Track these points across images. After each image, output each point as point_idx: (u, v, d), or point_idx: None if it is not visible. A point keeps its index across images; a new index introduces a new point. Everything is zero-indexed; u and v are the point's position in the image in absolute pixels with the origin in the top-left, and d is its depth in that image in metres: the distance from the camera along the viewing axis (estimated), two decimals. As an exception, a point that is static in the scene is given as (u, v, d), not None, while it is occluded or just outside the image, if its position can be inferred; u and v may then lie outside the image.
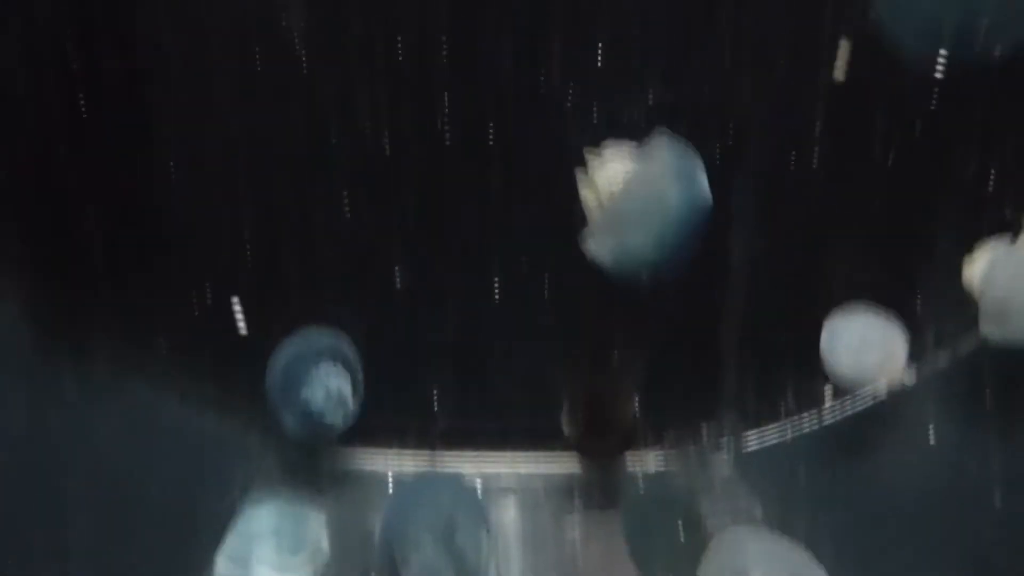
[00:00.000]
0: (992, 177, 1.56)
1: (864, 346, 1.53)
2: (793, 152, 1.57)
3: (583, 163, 1.48)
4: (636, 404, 1.67)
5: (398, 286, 1.62)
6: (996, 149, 1.56)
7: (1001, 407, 1.56)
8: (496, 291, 1.64)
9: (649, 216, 1.42)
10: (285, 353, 1.56)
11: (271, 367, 1.55)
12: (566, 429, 1.67)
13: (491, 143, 1.57)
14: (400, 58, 1.52)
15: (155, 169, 1.58)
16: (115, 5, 1.52)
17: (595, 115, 1.54)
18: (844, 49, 1.51)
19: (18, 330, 1.59)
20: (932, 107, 1.49)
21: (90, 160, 1.56)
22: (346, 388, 1.55)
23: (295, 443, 1.59)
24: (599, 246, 1.45)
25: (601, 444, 1.67)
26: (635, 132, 1.48)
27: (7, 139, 1.55)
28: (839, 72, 1.51)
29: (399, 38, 1.51)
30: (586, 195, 1.47)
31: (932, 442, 1.59)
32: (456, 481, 1.61)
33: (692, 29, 1.54)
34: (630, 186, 1.44)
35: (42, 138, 1.55)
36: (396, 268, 1.62)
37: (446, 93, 1.54)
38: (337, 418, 1.54)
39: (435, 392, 1.67)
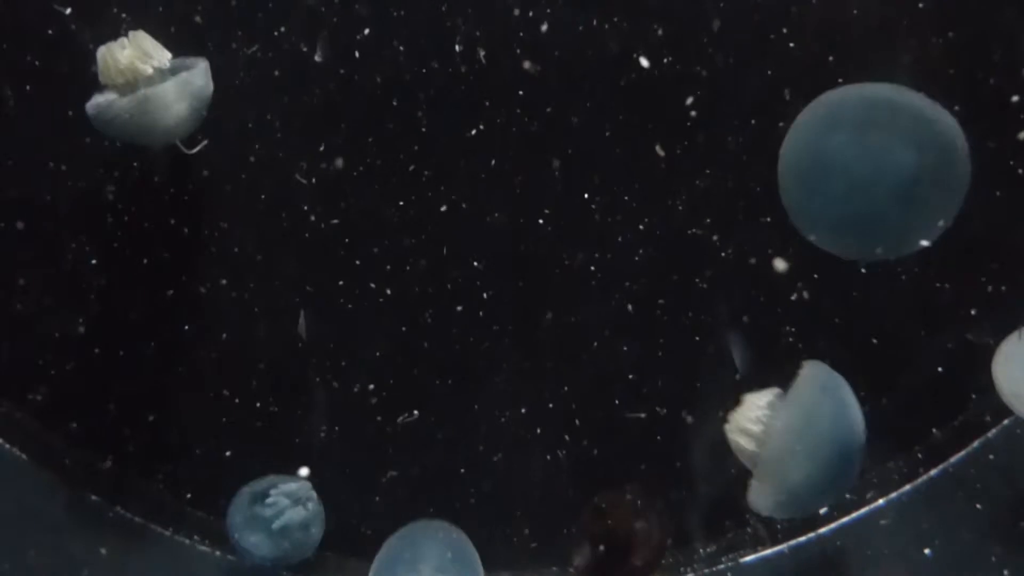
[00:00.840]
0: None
1: None
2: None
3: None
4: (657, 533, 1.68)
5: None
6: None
7: (995, 518, 1.59)
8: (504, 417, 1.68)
9: (806, 452, 1.31)
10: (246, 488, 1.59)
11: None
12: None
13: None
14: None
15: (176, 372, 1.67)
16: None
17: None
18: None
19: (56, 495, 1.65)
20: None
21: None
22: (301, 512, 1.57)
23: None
24: (759, 495, 1.36)
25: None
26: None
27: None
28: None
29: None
30: (737, 445, 1.38)
31: (928, 554, 1.61)
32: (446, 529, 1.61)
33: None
34: (779, 427, 1.34)
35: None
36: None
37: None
38: (294, 540, 1.56)
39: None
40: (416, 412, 1.66)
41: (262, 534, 1.55)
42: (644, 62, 1.56)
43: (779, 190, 1.33)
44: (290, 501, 1.55)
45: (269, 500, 1.55)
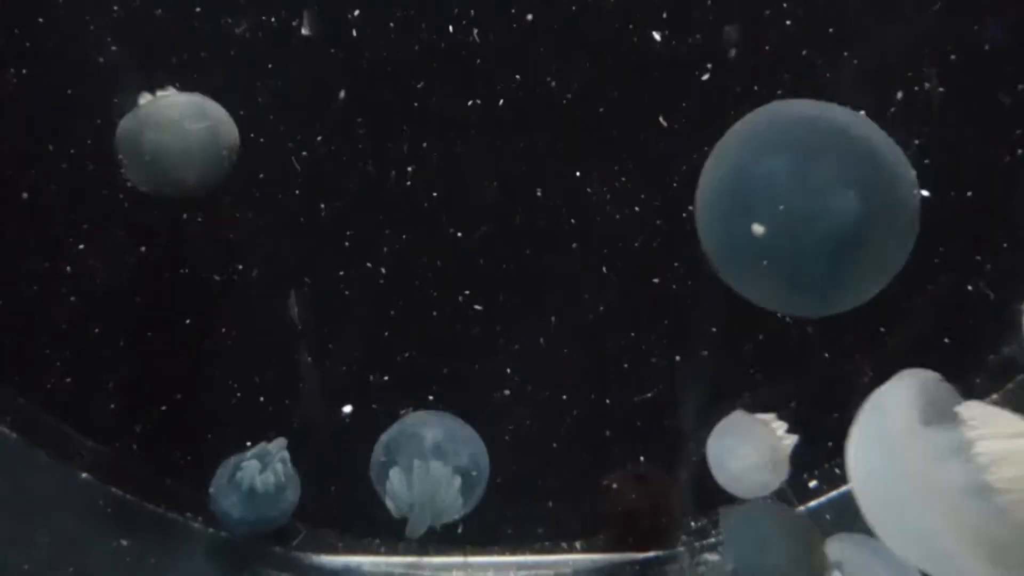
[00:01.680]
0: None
1: (744, 454, 1.55)
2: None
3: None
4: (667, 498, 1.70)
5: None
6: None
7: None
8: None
9: None
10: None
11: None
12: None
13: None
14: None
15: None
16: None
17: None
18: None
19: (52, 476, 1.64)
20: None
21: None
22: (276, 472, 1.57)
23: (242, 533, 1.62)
24: None
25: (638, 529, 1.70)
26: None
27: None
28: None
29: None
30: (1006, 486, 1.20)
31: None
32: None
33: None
34: None
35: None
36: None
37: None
38: (268, 494, 1.56)
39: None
40: (421, 402, 1.65)
41: (235, 499, 1.55)
42: (656, 35, 1.55)
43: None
44: (260, 465, 1.55)
45: (243, 464, 1.55)
